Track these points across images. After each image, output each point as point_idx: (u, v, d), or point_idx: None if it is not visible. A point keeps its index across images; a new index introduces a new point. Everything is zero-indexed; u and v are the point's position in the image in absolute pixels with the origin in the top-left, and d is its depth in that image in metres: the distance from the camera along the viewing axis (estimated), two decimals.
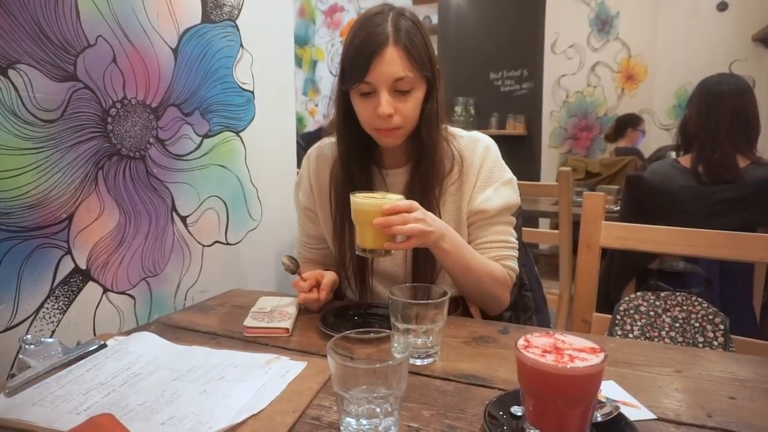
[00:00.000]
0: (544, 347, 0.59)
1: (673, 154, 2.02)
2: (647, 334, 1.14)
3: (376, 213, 0.89)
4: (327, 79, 5.47)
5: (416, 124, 1.04)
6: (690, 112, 1.76)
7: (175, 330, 1.00)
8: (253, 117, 1.41)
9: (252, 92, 1.40)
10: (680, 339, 1.12)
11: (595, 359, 0.56)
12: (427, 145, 1.04)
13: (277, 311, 1.02)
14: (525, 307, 1.27)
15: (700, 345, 1.10)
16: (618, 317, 1.17)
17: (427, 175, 1.06)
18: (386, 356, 0.66)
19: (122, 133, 1.05)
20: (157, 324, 1.04)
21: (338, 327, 0.94)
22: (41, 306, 0.92)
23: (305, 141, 2.72)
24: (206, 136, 1.26)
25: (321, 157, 1.18)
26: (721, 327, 1.09)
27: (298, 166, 1.47)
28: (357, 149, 1.08)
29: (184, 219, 1.21)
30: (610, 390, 0.71)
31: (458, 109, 4.52)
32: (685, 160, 1.76)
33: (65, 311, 0.96)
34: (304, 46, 5.52)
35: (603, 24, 4.15)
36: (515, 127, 4.40)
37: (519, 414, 0.62)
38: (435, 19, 4.84)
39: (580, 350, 0.58)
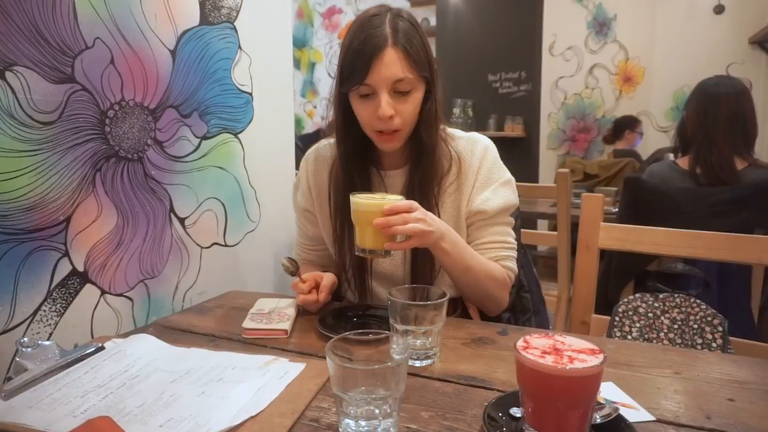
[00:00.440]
0: (543, 348, 0.59)
1: (671, 156, 2.03)
2: (646, 336, 1.14)
3: (376, 213, 0.89)
4: (325, 81, 5.47)
5: (415, 125, 1.04)
6: (688, 114, 1.77)
7: (173, 332, 1.00)
8: (252, 119, 1.41)
9: (250, 94, 1.40)
10: (679, 341, 1.12)
11: (594, 360, 0.56)
12: (426, 146, 1.04)
13: (276, 313, 1.02)
14: (524, 308, 1.27)
15: (699, 347, 1.10)
16: (617, 319, 1.17)
17: (425, 175, 1.06)
18: (385, 357, 0.66)
19: (120, 134, 1.05)
20: (155, 326, 1.03)
21: (337, 328, 0.94)
22: (38, 308, 0.92)
23: (303, 143, 2.72)
24: (204, 137, 1.26)
25: (319, 158, 1.18)
26: (720, 329, 1.09)
27: (297, 167, 1.47)
28: (356, 151, 1.08)
29: (182, 221, 1.21)
30: (609, 391, 0.71)
31: (456, 110, 4.52)
32: (683, 162, 1.76)
33: (63, 314, 0.96)
34: (303, 48, 5.52)
35: (601, 26, 4.16)
36: (513, 128, 4.41)
37: (518, 415, 0.62)
38: (433, 21, 4.84)
39: (579, 351, 0.58)
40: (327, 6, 5.44)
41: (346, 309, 1.07)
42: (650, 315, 1.15)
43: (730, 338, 1.10)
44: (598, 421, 0.59)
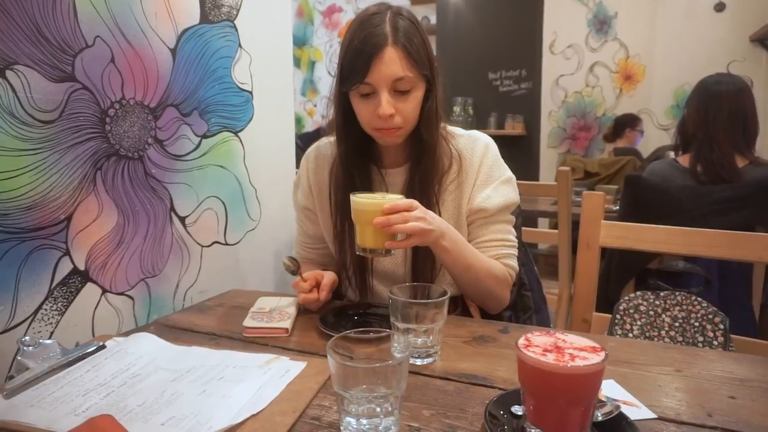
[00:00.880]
0: (544, 346, 0.59)
1: (672, 154, 2.03)
2: (647, 334, 1.14)
3: (376, 212, 0.89)
4: (325, 80, 5.47)
5: (416, 124, 1.04)
6: (688, 112, 1.77)
7: (174, 330, 1.00)
8: (252, 117, 1.41)
9: (250, 92, 1.40)
10: (680, 338, 1.12)
11: (596, 358, 0.56)
12: (427, 144, 1.04)
13: (277, 311, 1.02)
14: (525, 306, 1.27)
15: (700, 344, 1.10)
16: (618, 317, 1.17)
17: (426, 174, 1.06)
18: (386, 356, 0.66)
19: (121, 133, 1.05)
20: (156, 325, 1.03)
21: (338, 327, 0.94)
22: (40, 307, 0.92)
23: (304, 141, 2.72)
24: (205, 136, 1.26)
25: (320, 156, 1.18)
26: (721, 326, 1.09)
27: (297, 166, 1.47)
28: (357, 149, 1.08)
29: (182, 219, 1.21)
30: (610, 389, 0.71)
31: (457, 109, 4.52)
32: (684, 160, 1.76)
33: (64, 312, 0.96)
34: (303, 47, 5.52)
35: (601, 24, 4.15)
36: (514, 127, 4.41)
37: (519, 413, 0.62)
38: (433, 20, 4.84)
39: (580, 349, 0.58)
40: (327, 4, 5.43)
41: (346, 307, 1.07)
42: (651, 313, 1.15)
43: (731, 336, 1.10)
44: (600, 418, 0.59)
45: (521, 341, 0.60)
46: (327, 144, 1.17)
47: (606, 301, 1.56)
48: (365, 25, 0.97)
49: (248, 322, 0.97)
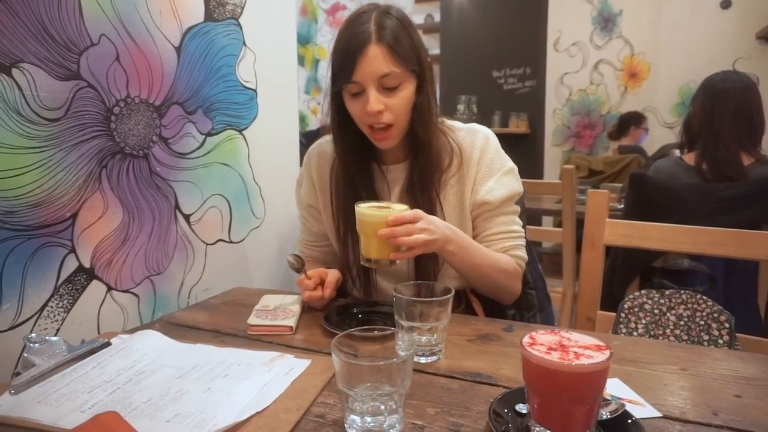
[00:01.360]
0: (549, 344, 0.59)
1: (677, 152, 2.02)
2: (652, 332, 1.14)
3: (381, 224, 0.90)
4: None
5: (410, 120, 1.04)
6: (694, 110, 1.76)
7: (179, 328, 1.00)
8: (256, 115, 1.41)
9: (255, 90, 1.40)
10: (685, 337, 1.11)
11: (600, 357, 0.56)
12: (422, 140, 1.04)
13: (281, 309, 1.02)
14: (529, 305, 1.27)
15: (705, 343, 1.09)
16: (622, 315, 1.17)
17: (425, 169, 1.06)
18: (390, 354, 0.66)
19: (126, 131, 1.05)
20: (161, 322, 1.04)
21: (342, 325, 0.94)
22: (45, 304, 0.92)
23: (307, 139, 2.71)
24: (209, 134, 1.26)
25: (322, 154, 1.18)
26: (727, 325, 1.08)
27: (301, 164, 1.47)
28: (355, 147, 1.08)
29: (187, 217, 1.21)
30: (615, 388, 0.71)
31: (461, 107, 4.51)
32: (689, 158, 1.75)
33: (69, 310, 0.96)
34: (306, 45, 5.51)
35: (606, 22, 4.13)
36: (518, 125, 4.39)
37: (524, 411, 0.62)
38: (437, 17, 4.83)
39: (585, 348, 0.58)
40: (331, 2, 5.42)
41: (351, 305, 1.07)
42: (656, 311, 1.14)
43: (737, 334, 1.09)
44: (605, 417, 0.59)
45: (526, 339, 0.60)
46: (329, 141, 1.17)
47: (610, 300, 1.56)
48: (351, 26, 0.98)
49: (253, 319, 0.97)
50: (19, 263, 0.88)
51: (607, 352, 0.56)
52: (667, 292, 1.15)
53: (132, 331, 0.97)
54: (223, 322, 1.02)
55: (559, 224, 2.49)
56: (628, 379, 0.74)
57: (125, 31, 1.04)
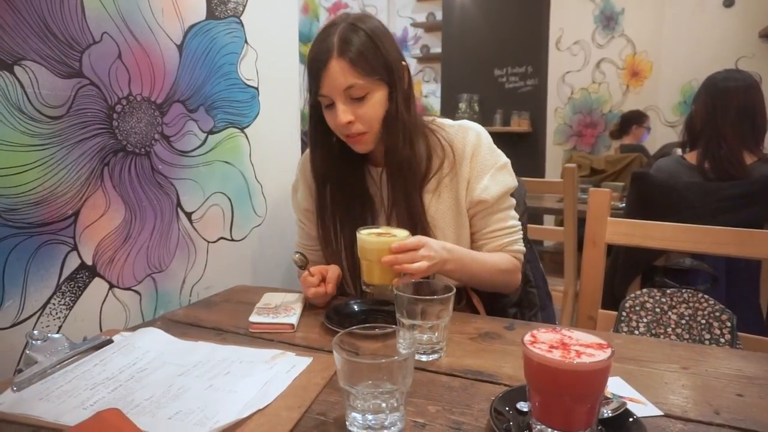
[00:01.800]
0: (550, 343, 0.59)
1: (679, 151, 2.01)
2: (653, 331, 1.14)
3: (384, 251, 0.92)
4: None
5: (382, 132, 1.05)
6: (696, 108, 1.75)
7: (180, 326, 1.00)
8: (258, 113, 1.41)
9: (256, 88, 1.40)
10: (686, 336, 1.11)
11: (602, 355, 0.56)
12: (389, 149, 1.05)
13: (283, 307, 1.02)
14: (530, 303, 1.27)
15: (707, 342, 1.09)
16: (624, 314, 1.17)
17: (403, 176, 1.07)
18: (392, 352, 0.66)
19: (127, 129, 1.05)
20: (162, 320, 1.04)
21: (343, 323, 0.95)
22: (48, 302, 0.92)
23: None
24: (211, 132, 1.26)
25: None
26: (728, 324, 1.08)
27: None
28: (343, 152, 1.10)
29: (189, 215, 1.22)
30: (616, 386, 0.71)
31: (462, 105, 4.51)
32: (691, 157, 1.75)
33: (72, 307, 0.96)
34: (308, 43, 5.50)
35: (608, 20, 4.12)
36: (520, 123, 4.39)
37: (525, 410, 0.62)
38: (439, 16, 4.82)
39: (587, 346, 0.58)
40: (332, 1, 5.42)
41: (352, 304, 1.07)
42: (658, 310, 1.14)
43: (739, 333, 1.09)
44: (607, 415, 0.59)
45: (527, 338, 0.60)
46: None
47: (612, 299, 1.56)
48: (317, 40, 1.02)
49: (254, 317, 0.97)
50: (21, 261, 0.88)
51: (609, 351, 0.56)
52: (668, 291, 1.15)
53: (134, 328, 0.97)
54: (224, 320, 1.02)
55: (560, 223, 2.49)
56: (630, 377, 0.74)
57: (127, 29, 1.04)
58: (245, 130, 1.38)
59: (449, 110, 4.56)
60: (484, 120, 4.47)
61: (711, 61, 3.26)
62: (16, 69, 0.85)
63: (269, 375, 0.76)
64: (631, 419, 0.60)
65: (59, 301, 0.94)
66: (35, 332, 0.81)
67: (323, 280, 1.06)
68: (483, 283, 1.09)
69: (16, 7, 0.85)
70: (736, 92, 1.65)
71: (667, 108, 4.00)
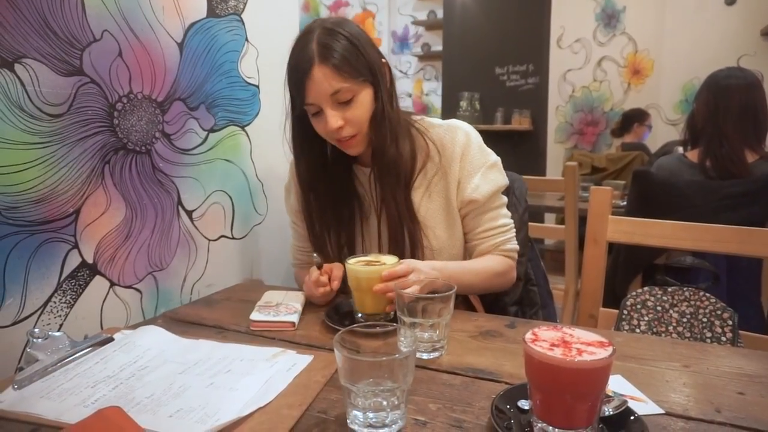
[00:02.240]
0: (552, 341, 0.59)
1: (680, 149, 2.01)
2: (654, 329, 1.14)
3: (374, 280, 0.92)
4: None
5: (373, 131, 1.05)
6: (698, 106, 1.75)
7: (181, 324, 1.00)
8: (259, 111, 1.41)
9: (257, 86, 1.40)
10: (688, 334, 1.11)
11: (603, 353, 0.56)
12: (376, 148, 1.05)
13: (283, 305, 1.02)
14: (531, 302, 1.27)
15: (708, 340, 1.09)
16: (625, 312, 1.16)
17: (390, 174, 1.07)
18: (393, 350, 0.66)
19: (128, 127, 1.05)
20: (163, 318, 1.04)
21: (344, 321, 0.95)
22: (49, 300, 0.92)
23: None
24: (212, 130, 1.26)
25: None
26: (730, 322, 1.08)
27: None
28: (332, 154, 1.11)
29: (189, 213, 1.21)
30: (617, 384, 0.71)
31: (463, 104, 4.50)
32: (693, 155, 1.75)
33: (72, 305, 0.96)
34: None
35: (609, 18, 4.12)
36: (521, 122, 4.37)
37: (526, 408, 0.62)
38: (440, 14, 4.81)
39: (588, 344, 0.58)
40: None
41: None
42: (659, 308, 1.14)
43: (740, 332, 1.09)
44: (608, 413, 0.59)
45: (528, 336, 0.60)
46: None
47: (613, 297, 1.55)
48: (295, 49, 1.01)
49: (255, 315, 0.97)
50: (22, 259, 0.88)
51: (610, 349, 0.56)
52: (669, 289, 1.14)
53: (135, 326, 0.97)
54: (225, 318, 1.02)
55: (561, 221, 2.49)
56: (631, 375, 0.74)
57: (128, 26, 1.04)
58: (246, 128, 1.37)
59: (450, 108, 4.56)
60: (485, 118, 4.47)
61: (712, 60, 3.25)
62: (17, 67, 0.85)
63: (270, 373, 0.76)
64: (632, 417, 0.60)
65: (60, 300, 0.94)
66: (36, 330, 0.81)
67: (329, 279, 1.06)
68: (479, 289, 1.11)
69: (16, 5, 0.85)
70: (738, 90, 1.65)
71: (668, 106, 3.99)
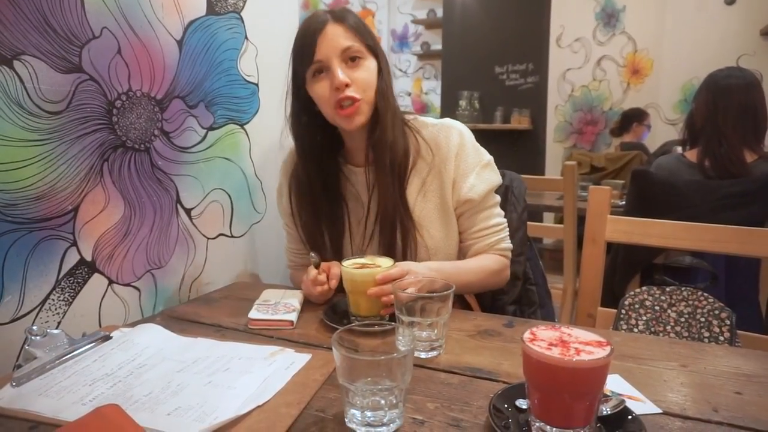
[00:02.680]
0: (550, 340, 0.59)
1: (679, 149, 2.01)
2: (652, 329, 1.14)
3: (368, 283, 0.92)
4: None
5: (375, 100, 1.05)
6: (697, 106, 1.75)
7: (180, 322, 1.00)
8: (258, 109, 1.41)
9: (256, 85, 1.40)
10: (686, 334, 1.11)
11: (601, 353, 0.56)
12: (382, 120, 1.05)
13: (282, 304, 1.02)
14: (529, 301, 1.28)
15: (706, 340, 1.09)
16: (623, 312, 1.17)
17: (384, 169, 1.07)
18: (391, 349, 0.66)
19: (127, 125, 1.05)
20: (162, 316, 1.04)
21: (342, 320, 0.95)
22: (47, 297, 0.92)
23: None
24: (211, 128, 1.26)
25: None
26: (728, 322, 1.08)
27: None
28: (321, 146, 1.12)
29: (188, 211, 1.21)
30: (615, 384, 0.71)
31: (463, 103, 4.49)
32: (692, 155, 1.75)
33: (71, 303, 0.96)
34: None
35: (609, 17, 4.11)
36: (520, 121, 4.37)
37: (524, 407, 0.62)
38: (440, 13, 4.81)
39: (586, 344, 0.58)
40: None
41: None
42: (657, 308, 1.14)
43: (738, 331, 1.09)
44: (606, 412, 0.59)
45: (526, 335, 0.60)
46: None
47: (611, 296, 1.56)
48: (306, 22, 1.04)
49: (254, 314, 0.97)
50: (20, 256, 0.88)
51: (608, 348, 0.57)
52: (668, 289, 1.15)
53: (133, 324, 0.97)
54: (224, 317, 1.02)
55: (560, 221, 2.49)
56: (629, 375, 0.74)
57: (127, 24, 1.03)
58: (245, 127, 1.37)
59: (449, 107, 4.55)
60: (485, 117, 4.47)
61: (712, 59, 3.25)
62: (16, 64, 0.85)
63: (268, 371, 0.76)
64: (629, 417, 0.60)
65: (58, 297, 0.94)
66: (34, 328, 0.81)
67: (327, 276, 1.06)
68: (475, 288, 1.13)
69: (15, 2, 0.84)
70: (737, 90, 1.65)
71: (667, 106, 3.99)
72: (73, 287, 0.96)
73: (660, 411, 0.65)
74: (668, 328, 1.13)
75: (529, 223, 1.37)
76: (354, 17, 1.05)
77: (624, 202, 2.11)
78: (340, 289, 1.14)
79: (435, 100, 5.41)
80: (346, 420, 0.62)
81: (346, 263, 0.96)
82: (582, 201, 2.16)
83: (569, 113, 4.34)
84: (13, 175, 0.86)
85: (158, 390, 0.71)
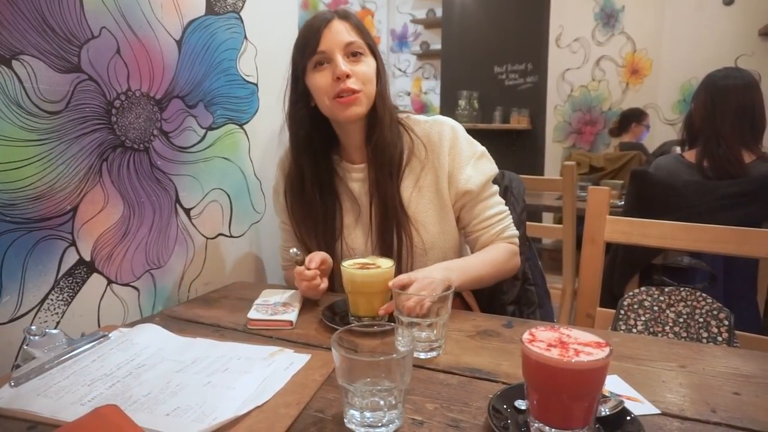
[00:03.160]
0: (549, 341, 0.59)
1: (678, 149, 2.01)
2: (651, 329, 1.14)
3: (369, 284, 0.92)
4: None
5: (374, 97, 1.07)
6: (695, 107, 1.75)
7: (179, 322, 1.00)
8: (257, 109, 1.41)
9: (256, 84, 1.40)
10: (684, 334, 1.12)
11: (600, 354, 0.56)
12: (381, 121, 1.07)
13: (281, 304, 1.02)
14: (528, 301, 1.28)
15: (705, 340, 1.09)
16: (622, 312, 1.17)
17: (381, 164, 1.09)
18: (390, 349, 0.66)
19: (126, 125, 1.05)
20: (161, 316, 1.04)
21: (341, 321, 0.95)
22: (46, 297, 0.92)
23: None
24: (210, 128, 1.26)
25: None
26: (726, 322, 1.08)
27: None
28: (318, 143, 1.13)
29: (188, 211, 1.21)
30: (613, 385, 0.71)
31: (462, 102, 4.49)
32: (690, 155, 1.75)
33: (70, 303, 0.96)
34: None
35: (608, 18, 4.12)
36: (519, 121, 4.38)
37: (523, 408, 0.62)
38: (439, 12, 4.81)
39: (585, 344, 0.58)
40: None
41: None
42: (655, 308, 1.15)
43: (736, 332, 1.09)
44: (604, 413, 0.59)
45: (526, 336, 0.60)
46: None
47: (610, 297, 1.56)
48: (311, 20, 1.08)
49: (253, 314, 0.97)
50: (19, 256, 0.87)
51: (607, 349, 0.57)
52: (666, 290, 1.15)
53: (132, 324, 0.97)
54: (223, 317, 1.02)
55: (559, 221, 2.49)
56: (627, 376, 0.74)
57: (126, 24, 1.03)
58: (244, 126, 1.37)
59: (449, 107, 4.55)
60: (484, 117, 4.47)
61: (711, 60, 3.25)
62: (14, 63, 0.85)
63: (267, 372, 0.76)
64: (628, 417, 0.60)
65: (57, 297, 0.94)
66: (33, 328, 0.81)
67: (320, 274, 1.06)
68: (490, 280, 1.11)
69: (13, 1, 0.84)
70: (736, 91, 1.65)
71: (666, 106, 4.00)
72: (72, 287, 0.96)
73: (658, 412, 0.65)
74: (667, 328, 1.13)
75: (528, 223, 1.37)
76: (357, 18, 1.08)
77: (623, 203, 2.11)
78: (340, 289, 1.14)
79: (434, 99, 5.42)
80: (345, 420, 0.62)
81: (346, 263, 0.96)
82: (581, 201, 2.16)
83: (568, 113, 4.35)
84: (11, 175, 0.86)
85: (157, 390, 0.71)
